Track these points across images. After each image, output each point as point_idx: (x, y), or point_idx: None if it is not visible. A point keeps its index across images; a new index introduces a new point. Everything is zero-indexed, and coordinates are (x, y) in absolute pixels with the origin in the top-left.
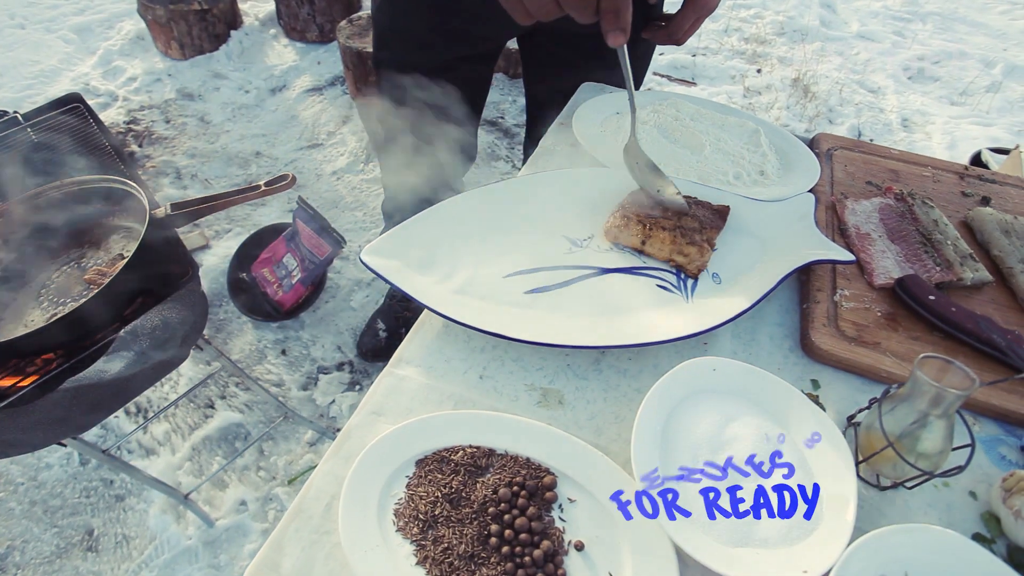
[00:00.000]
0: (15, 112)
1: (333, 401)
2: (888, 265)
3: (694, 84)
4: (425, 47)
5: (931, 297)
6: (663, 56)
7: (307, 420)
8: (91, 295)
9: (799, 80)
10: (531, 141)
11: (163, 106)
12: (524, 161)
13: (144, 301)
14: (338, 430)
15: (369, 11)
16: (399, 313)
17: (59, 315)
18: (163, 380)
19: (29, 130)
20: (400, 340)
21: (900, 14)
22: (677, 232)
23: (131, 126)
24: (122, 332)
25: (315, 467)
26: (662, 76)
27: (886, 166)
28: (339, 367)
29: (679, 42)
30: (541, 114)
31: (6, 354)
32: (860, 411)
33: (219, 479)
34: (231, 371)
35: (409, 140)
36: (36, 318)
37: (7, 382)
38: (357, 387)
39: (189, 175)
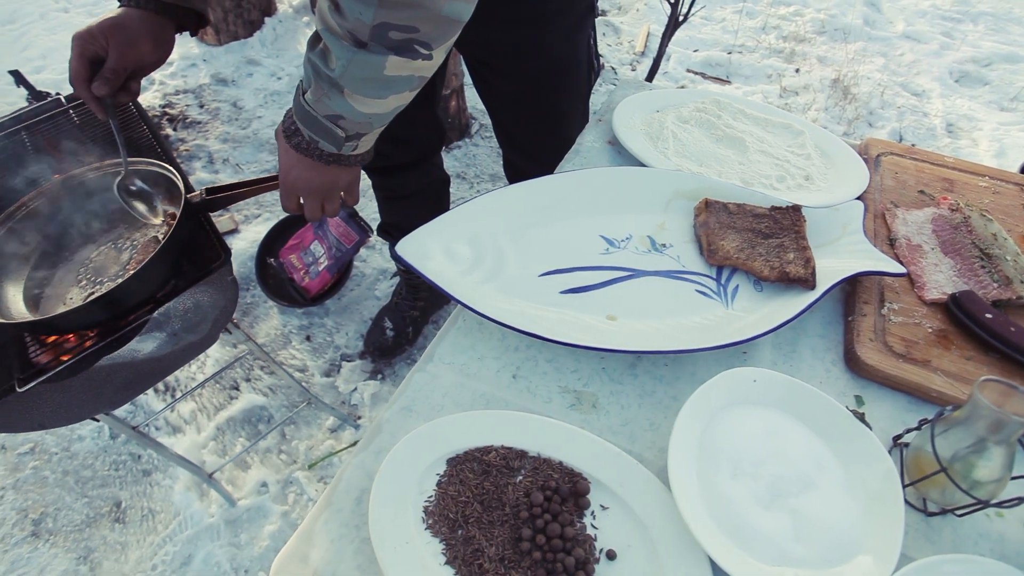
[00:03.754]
0: (58, 94)
1: (355, 389)
2: (941, 279)
3: (728, 82)
4: None
5: (988, 315)
6: (697, 53)
7: (329, 407)
8: (127, 276)
9: (839, 81)
10: (510, 169)
11: (197, 91)
12: (508, 178)
13: (177, 284)
14: (359, 418)
15: None
16: (406, 312)
17: (96, 295)
18: (190, 361)
19: (71, 112)
20: (407, 339)
21: (950, 14)
22: (773, 253)
23: (166, 110)
24: (155, 313)
25: (335, 453)
26: (696, 74)
27: (940, 175)
28: (362, 355)
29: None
30: (512, 149)
31: (46, 330)
32: (908, 431)
33: (242, 460)
34: (257, 355)
35: None
36: (75, 296)
37: (46, 357)
38: (379, 376)
39: (221, 160)
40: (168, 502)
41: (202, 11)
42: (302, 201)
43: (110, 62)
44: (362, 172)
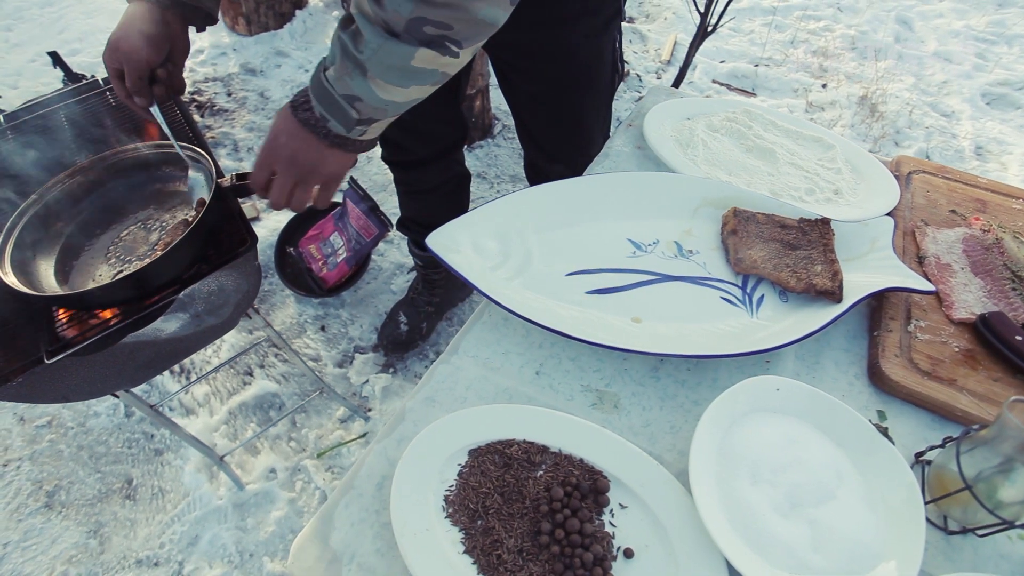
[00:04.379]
0: (93, 76)
1: (367, 381)
2: (969, 299)
3: (753, 95)
4: None
5: (1018, 337)
6: (724, 64)
7: (341, 397)
8: (155, 257)
9: (867, 98)
10: (531, 170)
11: (226, 79)
12: (530, 179)
13: (202, 267)
14: (369, 410)
15: None
16: (421, 307)
17: (125, 272)
18: (209, 344)
19: (108, 94)
20: (420, 334)
21: (984, 35)
22: (801, 264)
23: (195, 96)
24: (180, 294)
25: (344, 444)
26: (721, 84)
27: (972, 195)
28: (375, 348)
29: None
30: (535, 147)
31: (75, 305)
32: (931, 448)
33: (252, 445)
34: (275, 341)
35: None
36: (104, 273)
37: (73, 331)
38: (391, 370)
39: (246, 148)
40: (178, 482)
41: (210, 10)
42: (274, 177)
43: (126, 76)
44: (385, 166)
